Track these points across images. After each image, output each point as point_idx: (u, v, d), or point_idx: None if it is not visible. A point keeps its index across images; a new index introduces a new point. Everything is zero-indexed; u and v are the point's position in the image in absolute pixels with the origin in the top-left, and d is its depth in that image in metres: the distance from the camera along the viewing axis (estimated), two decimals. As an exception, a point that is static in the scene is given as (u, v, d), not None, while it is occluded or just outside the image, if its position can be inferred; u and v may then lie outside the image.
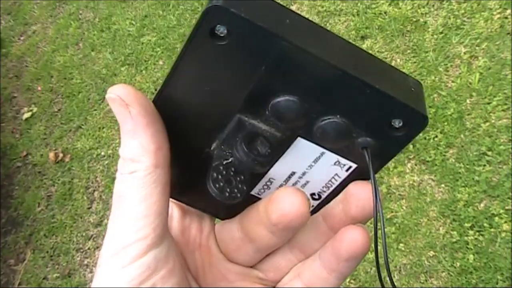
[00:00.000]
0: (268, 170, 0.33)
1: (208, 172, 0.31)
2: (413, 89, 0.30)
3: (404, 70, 1.76)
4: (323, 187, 0.34)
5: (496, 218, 1.49)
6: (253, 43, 0.27)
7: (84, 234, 2.05)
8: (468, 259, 1.47)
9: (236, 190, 0.31)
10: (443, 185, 1.58)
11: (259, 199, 0.34)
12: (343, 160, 0.32)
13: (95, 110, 2.30)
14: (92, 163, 2.17)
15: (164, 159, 0.30)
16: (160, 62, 2.27)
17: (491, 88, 1.64)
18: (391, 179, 1.63)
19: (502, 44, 1.69)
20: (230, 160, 0.31)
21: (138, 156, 0.29)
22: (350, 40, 2.14)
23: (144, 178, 0.29)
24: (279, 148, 0.31)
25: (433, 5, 1.86)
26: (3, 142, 2.42)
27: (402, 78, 0.31)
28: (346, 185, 0.33)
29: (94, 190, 2.10)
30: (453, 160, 1.60)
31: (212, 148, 0.32)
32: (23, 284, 2.07)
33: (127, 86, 0.29)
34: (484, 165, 1.56)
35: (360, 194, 0.32)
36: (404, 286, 1.51)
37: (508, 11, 1.72)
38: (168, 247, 0.30)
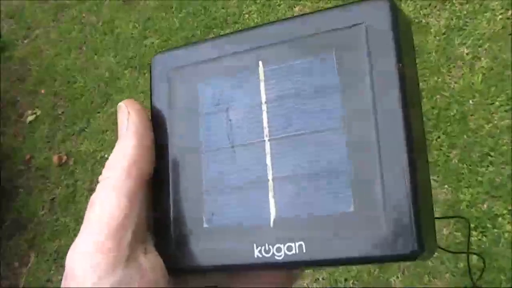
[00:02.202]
0: None
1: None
2: None
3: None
4: None
5: (499, 219, 1.49)
6: None
7: (87, 237, 2.05)
8: (471, 259, 1.47)
9: None
10: (446, 186, 1.58)
11: None
12: None
13: (98, 113, 2.31)
14: (96, 166, 2.18)
15: (140, 173, 0.29)
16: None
17: (494, 89, 1.64)
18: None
19: (504, 45, 1.69)
20: None
21: (114, 162, 0.29)
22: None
23: (112, 187, 0.28)
24: None
25: (435, 6, 1.86)
26: (6, 146, 2.43)
27: None
28: None
29: (97, 193, 2.10)
30: (456, 161, 1.60)
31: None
32: (26, 287, 2.07)
33: (137, 102, 0.31)
34: (487, 166, 1.56)
35: None
36: (407, 287, 1.51)
37: (510, 12, 1.72)
38: (134, 275, 0.27)
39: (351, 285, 1.58)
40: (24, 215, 2.23)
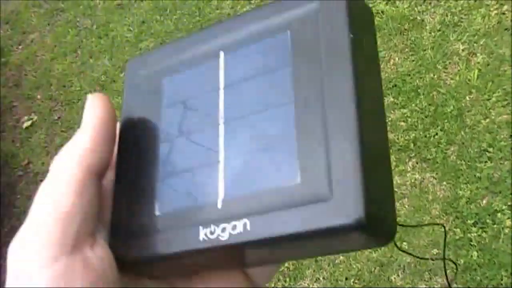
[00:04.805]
0: None
1: None
2: None
3: (402, 69, 1.77)
4: None
5: (499, 214, 1.49)
6: None
7: (87, 241, 2.05)
8: (472, 256, 1.47)
9: None
10: (444, 183, 1.58)
11: None
12: None
13: (95, 117, 2.30)
14: (94, 170, 2.18)
15: (91, 165, 0.28)
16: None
17: (490, 85, 1.64)
18: (393, 178, 1.63)
19: (500, 40, 1.69)
20: None
21: (66, 151, 0.29)
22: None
23: (61, 176, 0.28)
24: None
25: (430, 3, 1.86)
26: (4, 151, 2.42)
27: None
28: None
29: (96, 197, 2.10)
30: (454, 157, 1.60)
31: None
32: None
33: (105, 96, 0.30)
34: (485, 162, 1.56)
35: None
36: (408, 285, 1.51)
37: (505, 7, 1.72)
38: (78, 266, 0.26)
39: (352, 284, 1.58)
40: (23, 221, 2.21)
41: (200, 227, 0.27)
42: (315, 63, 0.26)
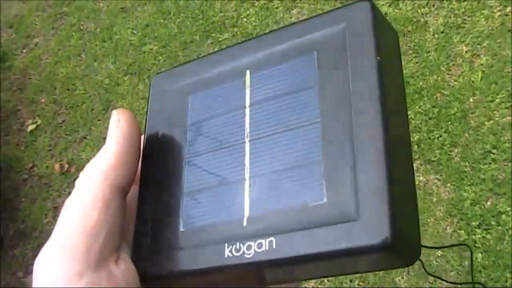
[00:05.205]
0: None
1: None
2: None
3: (406, 71, 1.77)
4: None
5: (503, 216, 1.48)
6: None
7: (91, 244, 2.05)
8: (476, 257, 1.47)
9: None
10: (449, 185, 1.57)
11: None
12: None
13: (99, 120, 2.31)
14: (98, 173, 2.18)
15: (117, 180, 0.29)
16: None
17: (494, 86, 1.64)
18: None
19: (503, 42, 1.69)
20: None
21: (92, 167, 0.29)
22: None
23: (86, 192, 0.28)
24: None
25: (433, 5, 1.86)
26: (8, 155, 2.42)
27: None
28: None
29: (100, 200, 2.10)
30: (458, 159, 1.60)
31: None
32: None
33: (129, 111, 0.31)
34: (490, 163, 1.55)
35: None
36: (413, 287, 1.51)
37: (509, 9, 1.72)
38: (102, 281, 0.26)
39: (357, 286, 1.57)
40: (28, 224, 2.23)
41: (226, 244, 0.27)
42: (342, 84, 0.27)
